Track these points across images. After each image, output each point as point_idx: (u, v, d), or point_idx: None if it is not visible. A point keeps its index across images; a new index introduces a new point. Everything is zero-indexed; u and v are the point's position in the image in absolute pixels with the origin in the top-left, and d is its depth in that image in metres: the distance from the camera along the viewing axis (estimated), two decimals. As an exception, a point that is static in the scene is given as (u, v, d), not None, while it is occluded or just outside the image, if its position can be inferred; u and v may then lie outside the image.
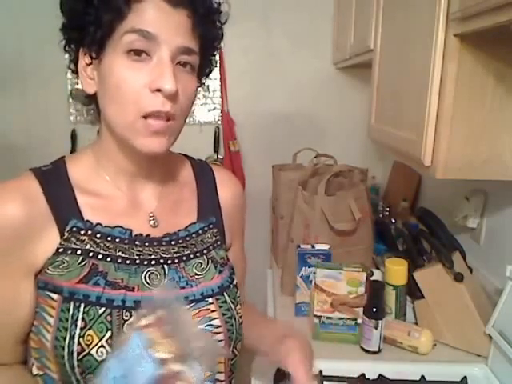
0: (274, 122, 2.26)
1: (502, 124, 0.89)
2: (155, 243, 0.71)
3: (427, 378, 1.01)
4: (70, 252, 0.65)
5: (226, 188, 0.83)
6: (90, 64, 0.66)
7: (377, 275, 1.33)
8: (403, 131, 1.08)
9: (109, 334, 0.63)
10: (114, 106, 0.64)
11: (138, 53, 0.61)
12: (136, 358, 0.46)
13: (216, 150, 2.30)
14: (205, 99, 2.26)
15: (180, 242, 0.73)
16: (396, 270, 1.22)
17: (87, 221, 0.67)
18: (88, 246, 0.66)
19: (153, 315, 0.49)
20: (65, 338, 0.62)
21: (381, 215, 1.90)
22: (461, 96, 0.87)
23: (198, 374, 0.47)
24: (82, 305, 0.63)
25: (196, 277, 0.72)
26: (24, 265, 0.64)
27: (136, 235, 0.70)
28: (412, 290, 1.22)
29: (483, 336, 1.07)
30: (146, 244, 0.70)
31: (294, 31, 2.18)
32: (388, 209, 1.91)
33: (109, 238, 0.68)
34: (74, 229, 0.66)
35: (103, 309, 0.64)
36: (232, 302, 0.74)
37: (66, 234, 0.65)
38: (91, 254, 0.66)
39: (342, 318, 1.15)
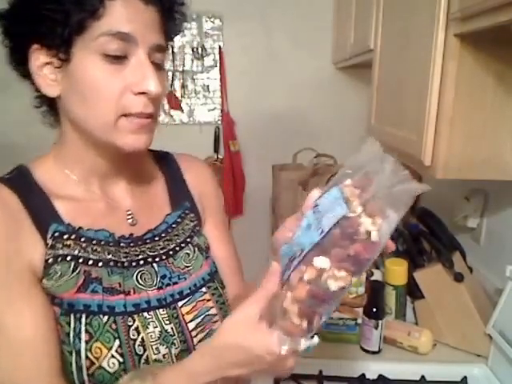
0: (274, 122, 2.26)
1: (502, 124, 0.89)
2: (139, 242, 0.69)
3: (427, 378, 1.01)
4: (59, 260, 0.61)
5: (190, 171, 0.81)
6: (48, 63, 0.60)
7: (377, 275, 1.33)
8: (403, 131, 1.08)
9: (117, 342, 0.60)
10: (89, 108, 0.60)
11: (115, 55, 0.58)
12: (330, 206, 0.48)
13: (216, 150, 2.29)
14: (205, 99, 2.26)
15: (163, 235, 0.72)
16: (396, 270, 1.22)
17: (68, 224, 0.63)
18: (76, 252, 0.62)
19: (357, 176, 0.49)
20: (71, 353, 0.59)
21: (381, 215, 1.89)
22: (461, 96, 0.87)
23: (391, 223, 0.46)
24: (84, 316, 0.60)
25: (186, 269, 0.71)
26: (25, 272, 0.59)
27: (119, 237, 0.67)
28: (412, 290, 1.22)
29: (483, 336, 1.07)
30: (132, 245, 0.68)
31: (294, 31, 2.17)
32: (388, 209, 1.91)
33: (94, 242, 0.65)
34: (57, 234, 0.62)
35: (106, 317, 0.61)
36: (221, 287, 0.75)
37: (50, 242, 0.61)
38: (81, 260, 0.62)
39: (341, 318, 1.15)
